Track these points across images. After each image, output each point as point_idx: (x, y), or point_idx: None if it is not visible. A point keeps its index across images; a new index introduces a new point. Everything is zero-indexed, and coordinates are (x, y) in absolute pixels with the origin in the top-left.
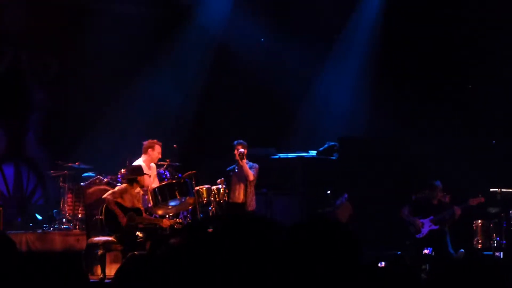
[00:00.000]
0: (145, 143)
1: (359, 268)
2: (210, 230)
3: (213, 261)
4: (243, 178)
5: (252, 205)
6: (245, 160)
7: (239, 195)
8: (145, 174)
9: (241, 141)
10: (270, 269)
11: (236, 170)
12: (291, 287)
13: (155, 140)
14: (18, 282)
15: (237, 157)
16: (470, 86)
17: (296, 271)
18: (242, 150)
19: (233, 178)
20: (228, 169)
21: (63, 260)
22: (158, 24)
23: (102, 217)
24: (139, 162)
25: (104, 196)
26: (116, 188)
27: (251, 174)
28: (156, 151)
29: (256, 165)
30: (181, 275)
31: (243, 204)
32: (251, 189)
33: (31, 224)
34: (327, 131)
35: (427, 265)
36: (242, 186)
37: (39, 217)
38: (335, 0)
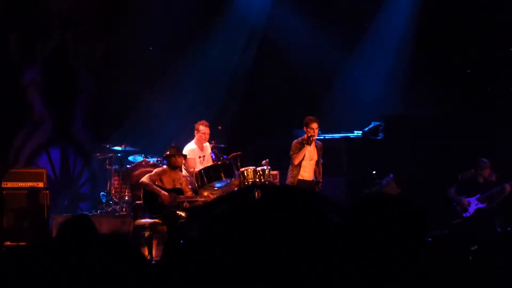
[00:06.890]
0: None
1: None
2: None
3: (258, 230)
4: (313, 157)
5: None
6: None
7: (310, 174)
8: (186, 156)
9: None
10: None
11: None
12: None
13: (199, 121)
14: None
15: (313, 138)
16: None
17: (361, 247)
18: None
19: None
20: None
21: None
22: (201, 7)
23: (142, 201)
24: (191, 144)
25: (141, 180)
26: (154, 171)
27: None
28: (201, 132)
29: (320, 143)
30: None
31: (312, 182)
32: (320, 168)
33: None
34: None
35: (476, 245)
36: (312, 164)
37: (104, 199)
38: None
